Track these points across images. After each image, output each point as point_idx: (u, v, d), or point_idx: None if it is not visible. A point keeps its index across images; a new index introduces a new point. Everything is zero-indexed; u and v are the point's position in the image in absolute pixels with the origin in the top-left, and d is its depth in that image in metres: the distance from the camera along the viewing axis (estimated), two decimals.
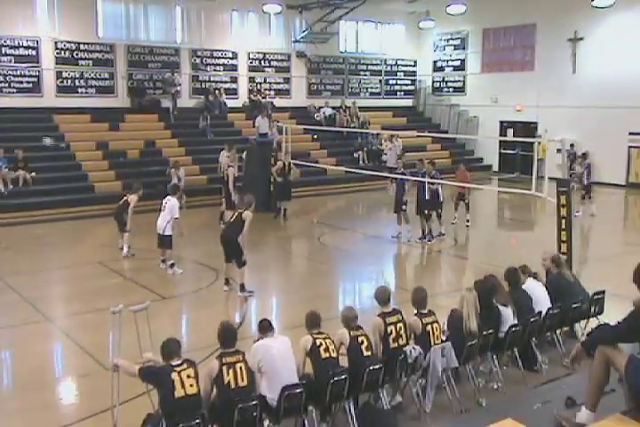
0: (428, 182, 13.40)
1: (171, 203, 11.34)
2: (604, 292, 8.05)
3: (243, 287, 10.12)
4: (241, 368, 5.28)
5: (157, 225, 11.28)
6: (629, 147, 21.87)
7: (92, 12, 20.90)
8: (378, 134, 23.81)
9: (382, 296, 6.43)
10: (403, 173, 14.15)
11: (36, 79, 20.25)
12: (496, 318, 6.94)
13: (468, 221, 15.36)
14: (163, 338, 5.30)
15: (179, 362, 5.12)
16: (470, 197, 15.63)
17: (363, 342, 5.98)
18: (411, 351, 6.08)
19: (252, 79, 24.43)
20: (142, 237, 12.58)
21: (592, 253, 12.92)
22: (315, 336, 5.78)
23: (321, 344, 5.74)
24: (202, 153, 20.46)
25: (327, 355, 5.73)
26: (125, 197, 12.49)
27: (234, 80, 24.09)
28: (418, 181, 13.60)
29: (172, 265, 11.40)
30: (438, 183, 13.62)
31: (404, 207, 13.83)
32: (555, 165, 16.67)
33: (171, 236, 11.31)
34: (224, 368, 5.23)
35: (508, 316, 7.02)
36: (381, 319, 6.22)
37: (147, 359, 5.53)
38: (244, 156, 18.01)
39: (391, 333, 6.18)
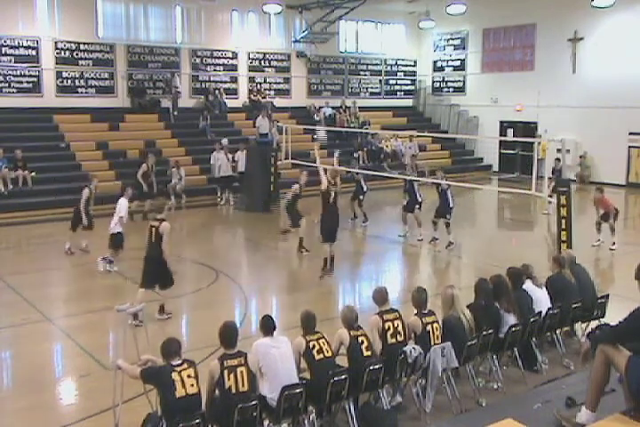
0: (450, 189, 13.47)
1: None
2: (607, 296, 8.01)
3: (162, 309, 9.02)
4: (242, 372, 5.26)
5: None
6: (629, 147, 21.86)
7: (92, 12, 20.90)
8: (375, 134, 23.80)
9: (379, 297, 6.45)
10: (404, 174, 14.17)
11: (35, 79, 20.25)
12: (494, 318, 6.93)
13: (613, 244, 13.24)
14: (162, 338, 5.30)
15: (179, 362, 5.12)
16: (614, 219, 13.46)
17: (363, 342, 5.99)
18: (411, 351, 6.08)
19: (252, 79, 24.42)
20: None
21: (591, 252, 12.90)
22: (308, 338, 5.76)
23: (314, 346, 5.73)
24: (202, 153, 20.44)
25: (321, 356, 5.73)
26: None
27: (234, 80, 24.08)
28: (439, 190, 13.59)
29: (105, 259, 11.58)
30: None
31: (416, 211, 13.82)
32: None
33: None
34: (225, 372, 5.21)
35: (508, 321, 6.98)
36: (379, 317, 6.25)
37: (145, 360, 5.53)
38: (244, 154, 18.02)
39: (389, 328, 6.21)
